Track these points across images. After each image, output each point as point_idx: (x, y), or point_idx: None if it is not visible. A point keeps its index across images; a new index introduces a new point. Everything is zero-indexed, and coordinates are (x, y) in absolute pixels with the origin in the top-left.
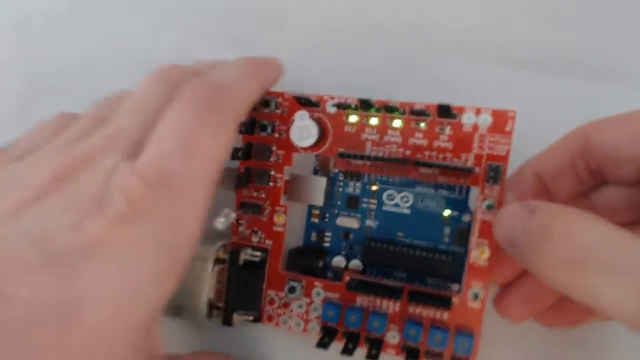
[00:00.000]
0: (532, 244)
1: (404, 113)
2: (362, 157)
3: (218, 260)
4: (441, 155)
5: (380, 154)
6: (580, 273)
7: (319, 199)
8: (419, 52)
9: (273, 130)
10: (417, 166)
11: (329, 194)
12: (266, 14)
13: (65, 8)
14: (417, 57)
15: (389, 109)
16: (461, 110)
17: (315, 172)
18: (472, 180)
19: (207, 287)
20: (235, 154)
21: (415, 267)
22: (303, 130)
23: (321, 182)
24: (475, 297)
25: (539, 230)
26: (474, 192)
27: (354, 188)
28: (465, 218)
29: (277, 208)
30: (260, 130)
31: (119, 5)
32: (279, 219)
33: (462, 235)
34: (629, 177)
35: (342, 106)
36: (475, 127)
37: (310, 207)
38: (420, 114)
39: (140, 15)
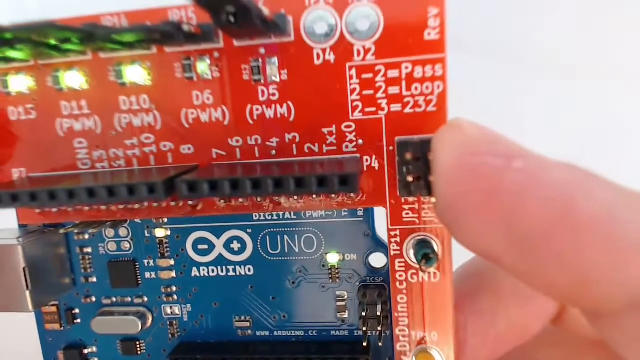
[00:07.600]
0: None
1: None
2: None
3: None
4: (274, 143)
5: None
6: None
7: (20, 302)
8: None
9: None
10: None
11: (66, 264)
12: None
13: None
14: None
15: (85, 36)
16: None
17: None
18: (365, 198)
19: None
20: None
21: None
22: None
23: (12, 253)
24: None
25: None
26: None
27: (117, 243)
28: (376, 262)
29: None
30: None
31: None
32: None
33: (373, 299)
34: None
35: None
36: (346, 50)
37: None
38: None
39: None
